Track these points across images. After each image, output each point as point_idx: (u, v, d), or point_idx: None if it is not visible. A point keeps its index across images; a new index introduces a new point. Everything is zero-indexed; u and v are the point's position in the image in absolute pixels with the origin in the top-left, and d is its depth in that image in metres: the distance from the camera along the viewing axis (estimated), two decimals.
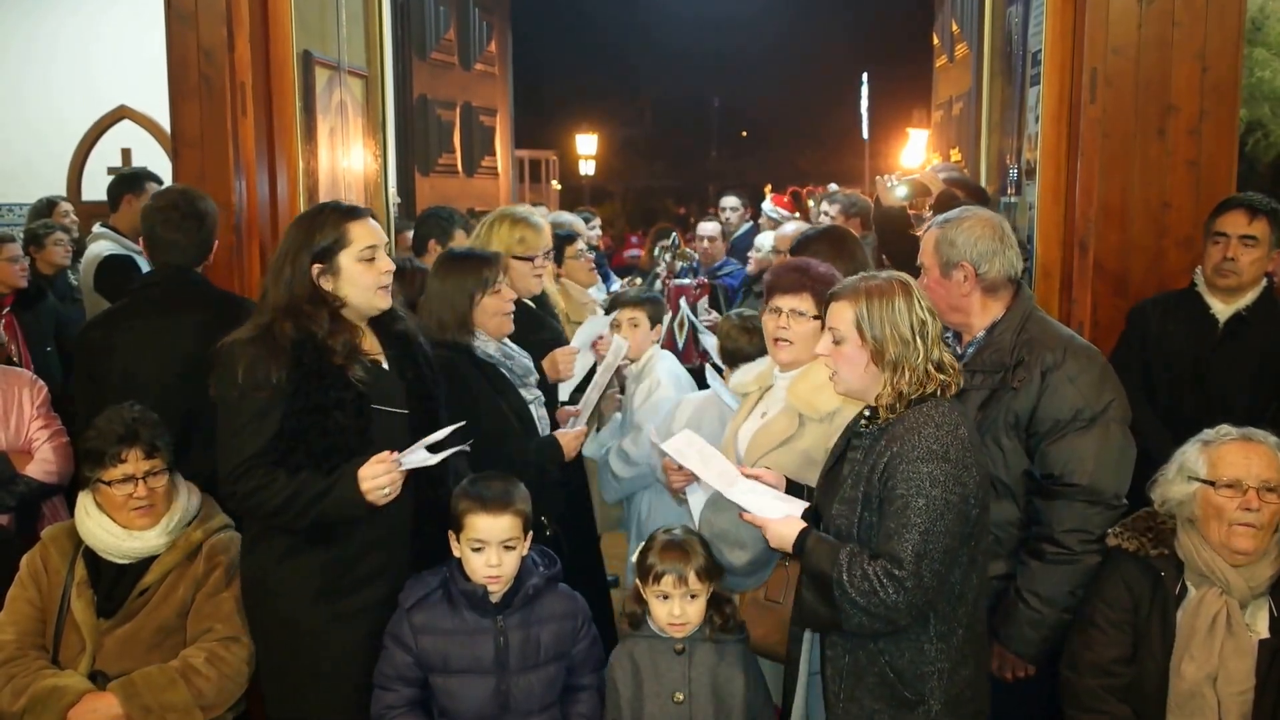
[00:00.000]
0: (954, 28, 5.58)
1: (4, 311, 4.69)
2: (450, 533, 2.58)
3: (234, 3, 3.65)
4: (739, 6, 16.83)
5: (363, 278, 2.58)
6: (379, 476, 2.45)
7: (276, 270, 2.60)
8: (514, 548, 2.54)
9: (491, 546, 2.51)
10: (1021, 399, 2.59)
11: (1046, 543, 2.56)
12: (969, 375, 2.59)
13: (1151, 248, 3.52)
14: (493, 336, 3.19)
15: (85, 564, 2.72)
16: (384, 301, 2.65)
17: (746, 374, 3.08)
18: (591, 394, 3.48)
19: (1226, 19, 3.49)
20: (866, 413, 2.37)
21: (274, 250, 3.76)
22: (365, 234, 2.60)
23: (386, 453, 2.48)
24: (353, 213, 2.64)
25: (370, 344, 2.66)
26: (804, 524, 2.30)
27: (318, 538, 2.54)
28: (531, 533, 2.61)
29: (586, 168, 19.18)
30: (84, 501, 2.74)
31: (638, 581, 2.59)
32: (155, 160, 6.11)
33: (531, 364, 3.32)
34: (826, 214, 6.10)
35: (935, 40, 6.20)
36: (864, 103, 15.76)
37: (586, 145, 18.81)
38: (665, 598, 2.53)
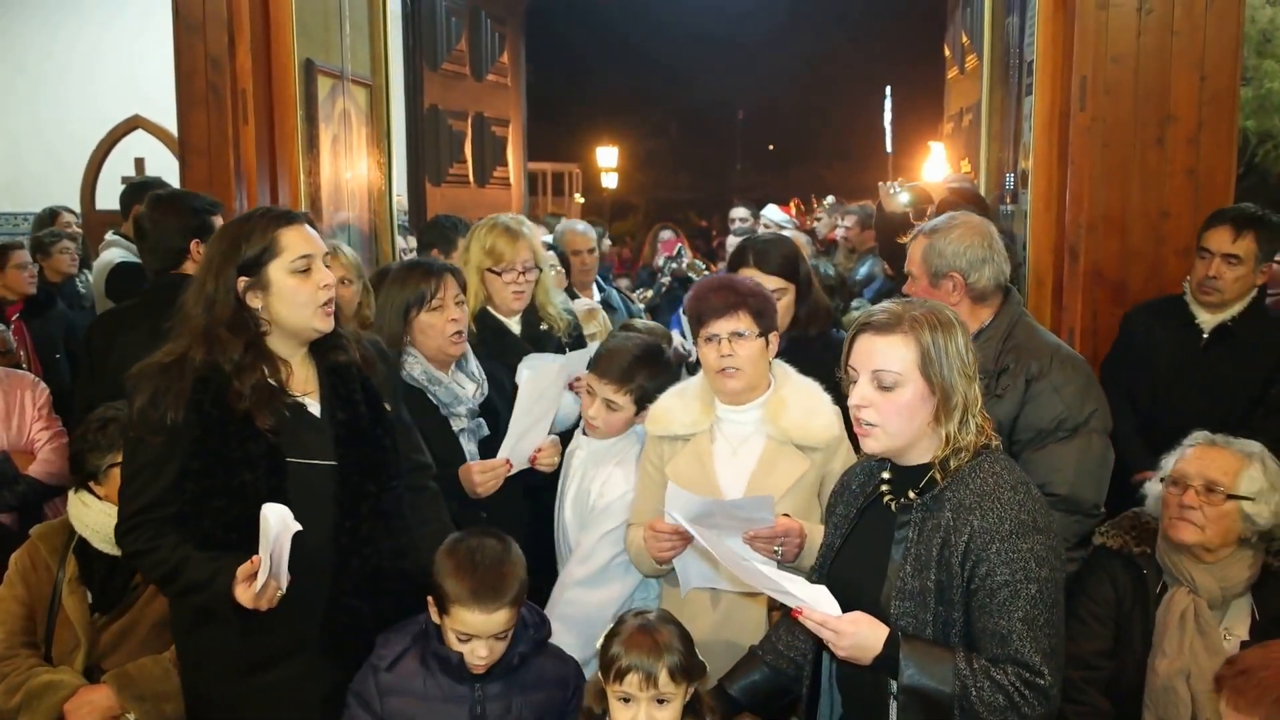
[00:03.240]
0: (964, 39, 5.65)
1: (13, 319, 4.84)
2: (429, 598, 2.24)
3: (235, 11, 3.80)
4: (763, 19, 16.96)
5: (296, 294, 2.25)
6: (257, 589, 2.12)
7: (199, 285, 2.27)
8: (505, 637, 2.22)
9: (481, 640, 2.19)
10: (1005, 406, 2.64)
11: None
12: None
13: (1150, 256, 3.58)
14: (433, 357, 2.94)
15: (77, 560, 2.79)
16: (323, 323, 2.29)
17: (680, 411, 2.65)
18: (512, 441, 2.94)
19: (1225, 29, 3.55)
20: (888, 474, 2.01)
21: None
22: (299, 242, 2.26)
23: (253, 560, 2.12)
24: (286, 218, 2.30)
25: (303, 378, 2.33)
26: (883, 626, 1.88)
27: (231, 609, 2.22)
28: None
29: (608, 180, 19.33)
30: (79, 496, 2.81)
31: (599, 674, 2.15)
32: (168, 168, 6.29)
33: (468, 393, 3.00)
34: (842, 225, 6.18)
35: (947, 52, 6.27)
36: (887, 115, 15.79)
37: (607, 158, 18.98)
38: (628, 700, 2.08)
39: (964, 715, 1.80)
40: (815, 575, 2.11)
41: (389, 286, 2.99)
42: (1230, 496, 2.39)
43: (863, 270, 5.26)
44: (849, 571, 2.02)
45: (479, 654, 2.18)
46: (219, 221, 3.36)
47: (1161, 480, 2.53)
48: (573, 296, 4.41)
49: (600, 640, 2.15)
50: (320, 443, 2.28)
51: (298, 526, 2.11)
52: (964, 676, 1.80)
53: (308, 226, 2.32)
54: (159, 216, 3.27)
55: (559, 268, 4.36)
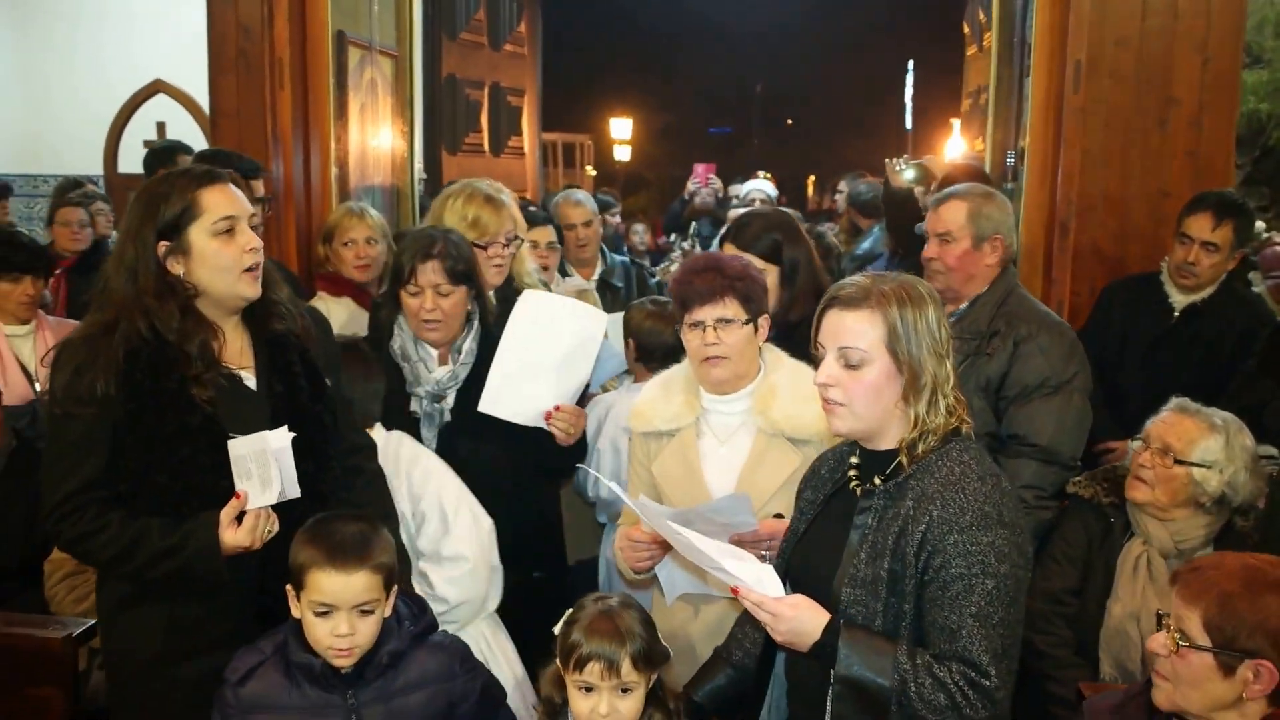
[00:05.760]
0: (981, 17, 5.89)
1: (58, 272, 5.12)
2: (289, 588, 2.11)
3: None
4: None
5: (218, 257, 2.16)
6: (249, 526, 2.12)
7: (119, 253, 2.20)
8: (371, 611, 2.08)
9: (341, 611, 2.05)
10: (995, 364, 2.95)
11: None
12: None
13: (1149, 235, 3.83)
14: (416, 333, 2.89)
15: None
16: (248, 289, 2.21)
17: (661, 404, 2.60)
18: (495, 381, 2.80)
19: (1229, 13, 3.79)
20: (856, 459, 2.00)
21: (308, 223, 4.25)
22: (221, 202, 2.17)
23: (236, 496, 2.12)
24: (207, 176, 2.21)
25: (237, 349, 2.27)
26: (824, 612, 1.86)
27: (158, 590, 2.20)
28: (396, 589, 2.17)
29: (621, 153, 19.50)
30: None
31: (559, 662, 2.08)
32: (189, 133, 6.57)
33: (432, 375, 2.88)
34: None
35: (966, 29, 6.51)
36: (909, 91, 15.99)
37: (621, 130, 19.13)
38: (589, 690, 2.02)
39: (902, 711, 1.77)
40: (779, 561, 2.08)
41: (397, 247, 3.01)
42: (1179, 462, 2.65)
43: (864, 246, 5.48)
44: (807, 556, 1.99)
45: (339, 631, 2.04)
46: (258, 186, 3.65)
47: (1140, 439, 2.82)
48: (565, 275, 4.29)
49: (559, 625, 2.09)
50: (257, 417, 2.20)
51: (291, 436, 2.12)
52: (904, 671, 1.76)
53: (231, 187, 2.24)
54: None
55: (555, 244, 4.14)
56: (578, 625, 2.04)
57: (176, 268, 2.17)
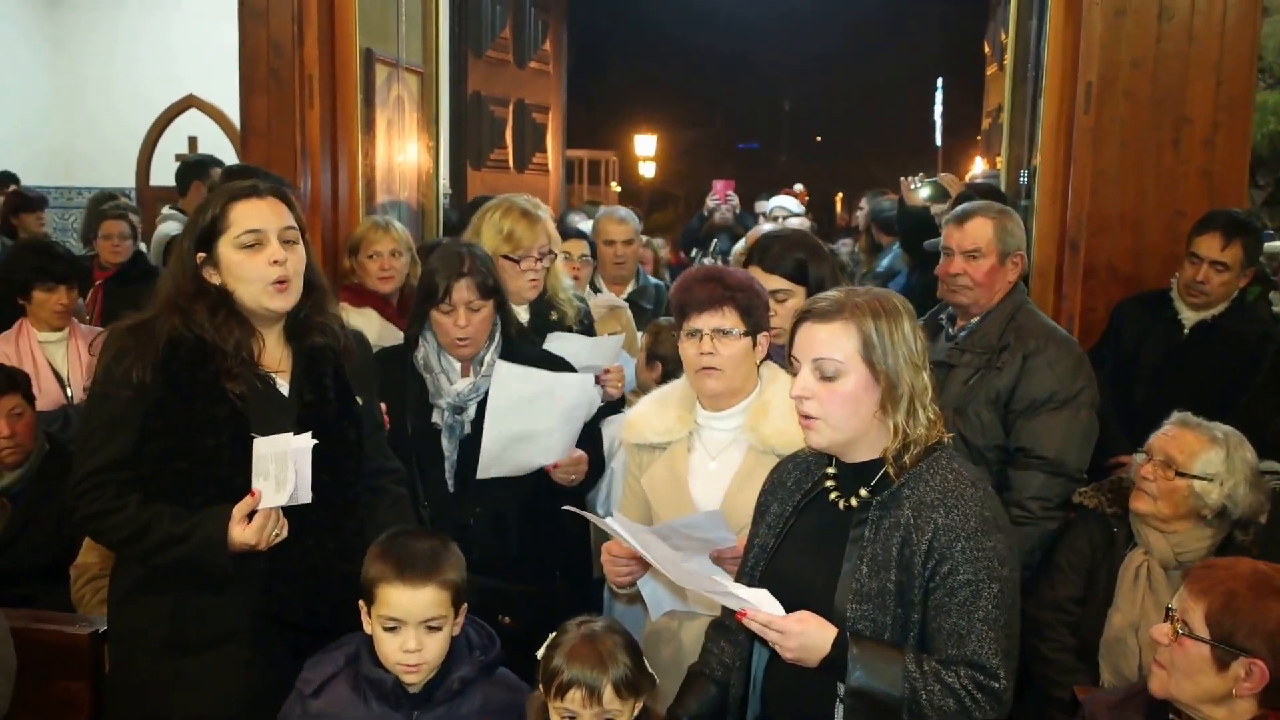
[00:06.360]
0: (1002, 37, 5.97)
1: (98, 283, 5.28)
2: (360, 603, 2.15)
3: (304, 1, 4.19)
4: (809, 8, 17.23)
5: (243, 269, 2.24)
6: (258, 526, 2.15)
7: (174, 256, 2.35)
8: (439, 628, 2.10)
9: (409, 627, 2.07)
10: (1004, 378, 3.03)
11: (1013, 506, 2.98)
12: (959, 353, 3.10)
13: (1164, 252, 3.88)
14: (444, 346, 2.92)
15: None
16: (274, 301, 2.26)
17: (654, 418, 2.61)
18: (494, 450, 2.84)
19: (1243, 36, 3.85)
20: (833, 470, 2.00)
21: (335, 235, 4.38)
22: (249, 216, 2.24)
23: (251, 493, 2.16)
24: (244, 191, 2.29)
25: (277, 357, 2.34)
26: (830, 626, 1.86)
27: (169, 578, 2.25)
28: (465, 607, 2.17)
29: (646, 169, 19.64)
30: None
31: (540, 688, 2.05)
32: (220, 147, 6.76)
33: (454, 387, 2.90)
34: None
35: (987, 48, 6.59)
36: (938, 108, 16.01)
37: (645, 146, 19.27)
38: (571, 718, 1.98)
39: (913, 718, 1.80)
40: (746, 578, 2.05)
41: (424, 267, 3.02)
42: (1180, 474, 2.71)
43: (884, 263, 5.55)
44: (792, 573, 1.97)
45: (408, 646, 2.06)
46: None
47: (1144, 451, 2.88)
48: (595, 290, 4.37)
49: (542, 650, 2.05)
50: (283, 421, 2.24)
51: (313, 442, 2.17)
52: (913, 679, 1.79)
53: (269, 201, 2.28)
54: None
55: (588, 257, 4.29)
56: (560, 650, 2.01)
57: (213, 277, 2.26)
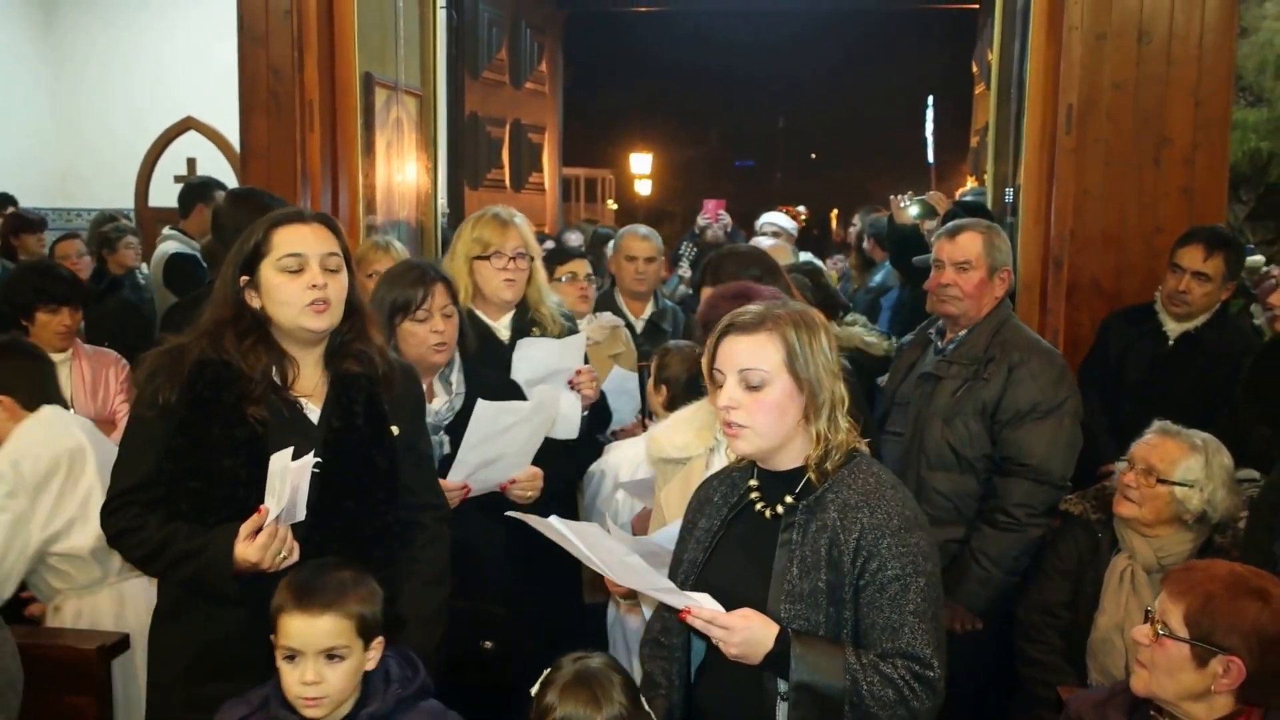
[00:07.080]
0: (989, 56, 6.10)
1: None
2: (272, 637, 2.09)
3: (304, 26, 4.31)
4: (804, 29, 17.42)
5: (282, 291, 2.28)
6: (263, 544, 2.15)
7: (218, 283, 2.38)
8: (341, 658, 2.03)
9: (308, 657, 2.01)
10: (990, 389, 3.14)
11: (999, 513, 3.10)
12: (947, 365, 3.22)
13: (1144, 269, 4.02)
14: (414, 363, 2.78)
15: None
16: (311, 321, 2.28)
17: (675, 433, 2.67)
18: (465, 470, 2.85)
19: (1220, 59, 3.99)
20: (755, 482, 2.07)
21: None
22: (290, 240, 2.29)
23: (259, 511, 2.15)
24: (287, 217, 2.34)
25: (311, 383, 2.37)
26: (773, 623, 1.91)
27: (199, 605, 2.28)
28: (380, 640, 2.11)
29: (642, 187, 19.79)
30: None
31: None
32: (219, 169, 6.85)
33: (432, 405, 2.86)
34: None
35: (975, 69, 6.72)
36: (929, 126, 16.16)
37: (641, 164, 19.42)
38: None
39: (854, 711, 1.86)
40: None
41: (379, 286, 2.95)
42: (1162, 481, 2.82)
43: (877, 278, 5.67)
44: (724, 583, 2.00)
45: (306, 678, 2.00)
46: None
47: (1126, 460, 2.99)
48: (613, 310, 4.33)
49: (536, 687, 2.00)
50: (306, 446, 2.25)
51: (313, 461, 2.19)
52: (854, 671, 1.86)
53: (312, 226, 2.32)
54: (234, 210, 3.78)
55: (593, 276, 4.25)
56: (553, 686, 1.96)
57: (254, 301, 2.30)
